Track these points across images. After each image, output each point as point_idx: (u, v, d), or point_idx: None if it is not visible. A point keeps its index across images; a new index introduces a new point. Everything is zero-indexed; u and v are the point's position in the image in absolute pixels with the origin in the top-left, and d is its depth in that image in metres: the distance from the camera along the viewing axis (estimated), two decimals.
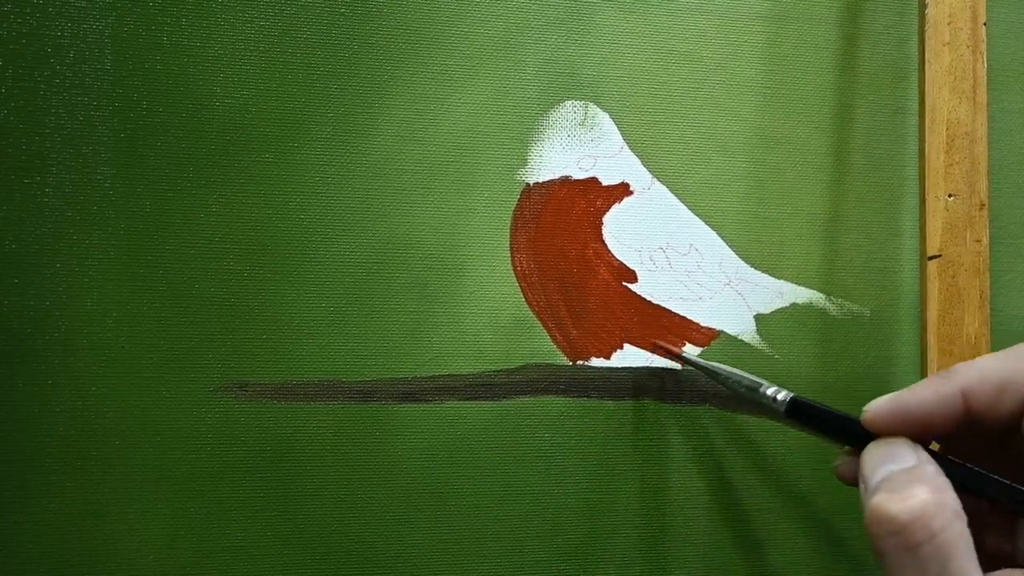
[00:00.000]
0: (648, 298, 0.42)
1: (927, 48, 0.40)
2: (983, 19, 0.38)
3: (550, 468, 0.41)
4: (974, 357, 0.35)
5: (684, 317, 0.42)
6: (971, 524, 0.26)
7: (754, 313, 0.42)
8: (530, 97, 0.41)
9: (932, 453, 0.26)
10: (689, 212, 0.42)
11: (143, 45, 0.39)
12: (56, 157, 0.39)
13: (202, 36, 0.40)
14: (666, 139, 0.42)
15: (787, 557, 0.42)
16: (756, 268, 0.43)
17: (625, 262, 0.42)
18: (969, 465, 0.26)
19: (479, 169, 0.41)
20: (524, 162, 0.41)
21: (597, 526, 0.41)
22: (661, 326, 0.42)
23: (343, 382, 0.40)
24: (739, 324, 0.42)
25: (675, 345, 0.41)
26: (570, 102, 0.42)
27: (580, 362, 0.41)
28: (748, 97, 0.43)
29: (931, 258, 0.39)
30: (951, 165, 0.40)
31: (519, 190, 0.41)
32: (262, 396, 0.39)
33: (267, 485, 0.39)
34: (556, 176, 0.41)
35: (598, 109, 0.42)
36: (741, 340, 0.42)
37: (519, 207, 0.41)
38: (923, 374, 0.35)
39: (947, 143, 0.40)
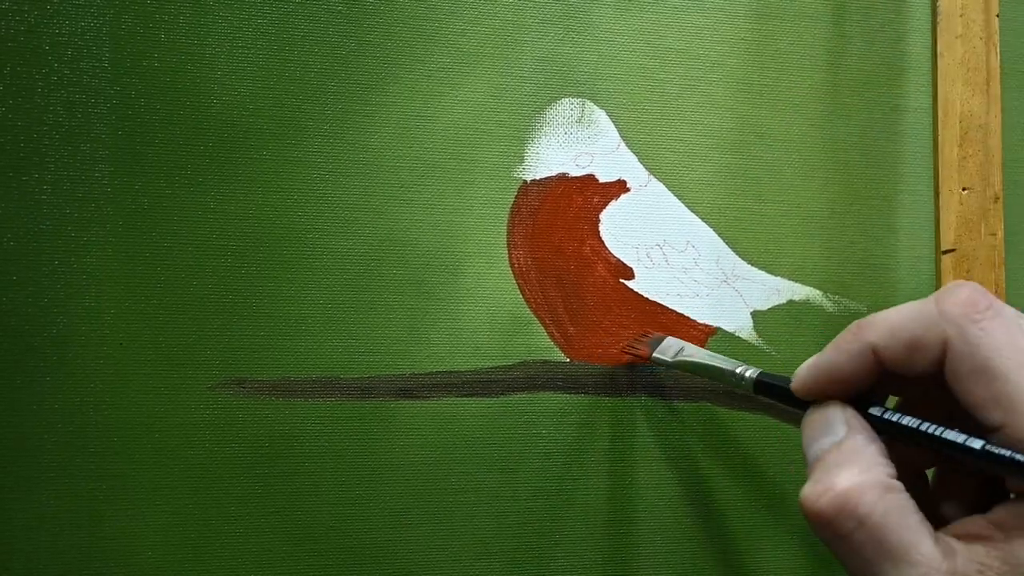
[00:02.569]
0: (645, 295, 0.42)
1: (939, 41, 0.40)
2: (996, 11, 0.38)
3: (548, 464, 0.41)
4: None
5: (681, 314, 0.42)
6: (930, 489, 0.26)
7: (751, 310, 0.43)
8: (526, 94, 0.41)
9: (870, 410, 0.25)
10: (686, 209, 0.42)
11: (141, 42, 0.39)
12: (54, 154, 0.39)
13: (199, 34, 0.40)
14: (662, 136, 0.42)
15: (785, 556, 0.42)
16: (753, 265, 0.43)
17: (622, 259, 0.42)
18: (904, 420, 0.25)
19: (476, 166, 0.41)
20: (521, 159, 0.41)
21: (594, 523, 0.41)
22: (658, 323, 0.42)
23: (341, 379, 0.40)
24: (736, 321, 0.42)
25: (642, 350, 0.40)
26: (567, 99, 0.42)
27: (577, 359, 0.41)
28: (744, 94, 0.43)
29: (946, 252, 0.39)
30: (965, 158, 0.39)
31: (516, 187, 0.41)
32: (259, 393, 0.40)
33: (265, 481, 0.39)
34: (553, 173, 0.42)
35: (595, 106, 0.42)
36: (738, 337, 0.42)
37: (516, 204, 0.41)
38: None
39: (960, 136, 0.39)
